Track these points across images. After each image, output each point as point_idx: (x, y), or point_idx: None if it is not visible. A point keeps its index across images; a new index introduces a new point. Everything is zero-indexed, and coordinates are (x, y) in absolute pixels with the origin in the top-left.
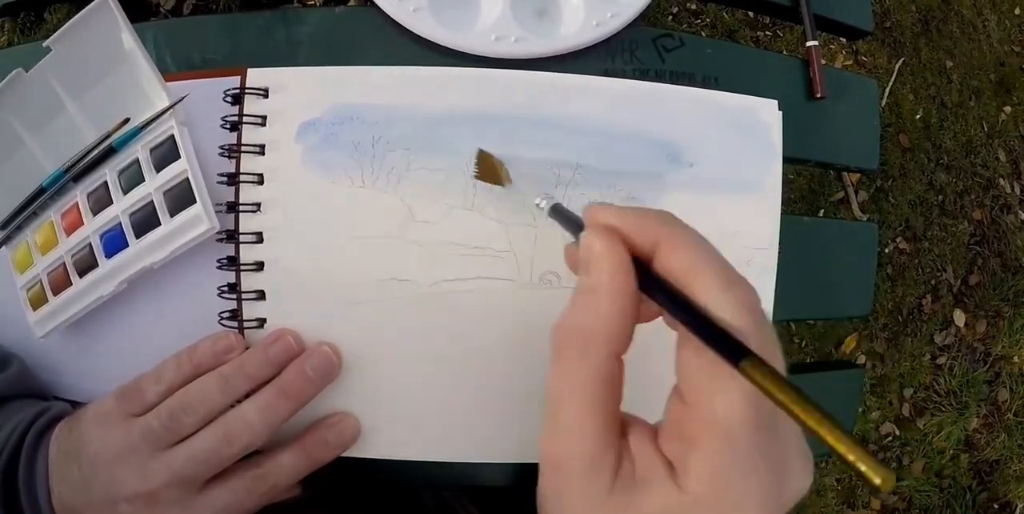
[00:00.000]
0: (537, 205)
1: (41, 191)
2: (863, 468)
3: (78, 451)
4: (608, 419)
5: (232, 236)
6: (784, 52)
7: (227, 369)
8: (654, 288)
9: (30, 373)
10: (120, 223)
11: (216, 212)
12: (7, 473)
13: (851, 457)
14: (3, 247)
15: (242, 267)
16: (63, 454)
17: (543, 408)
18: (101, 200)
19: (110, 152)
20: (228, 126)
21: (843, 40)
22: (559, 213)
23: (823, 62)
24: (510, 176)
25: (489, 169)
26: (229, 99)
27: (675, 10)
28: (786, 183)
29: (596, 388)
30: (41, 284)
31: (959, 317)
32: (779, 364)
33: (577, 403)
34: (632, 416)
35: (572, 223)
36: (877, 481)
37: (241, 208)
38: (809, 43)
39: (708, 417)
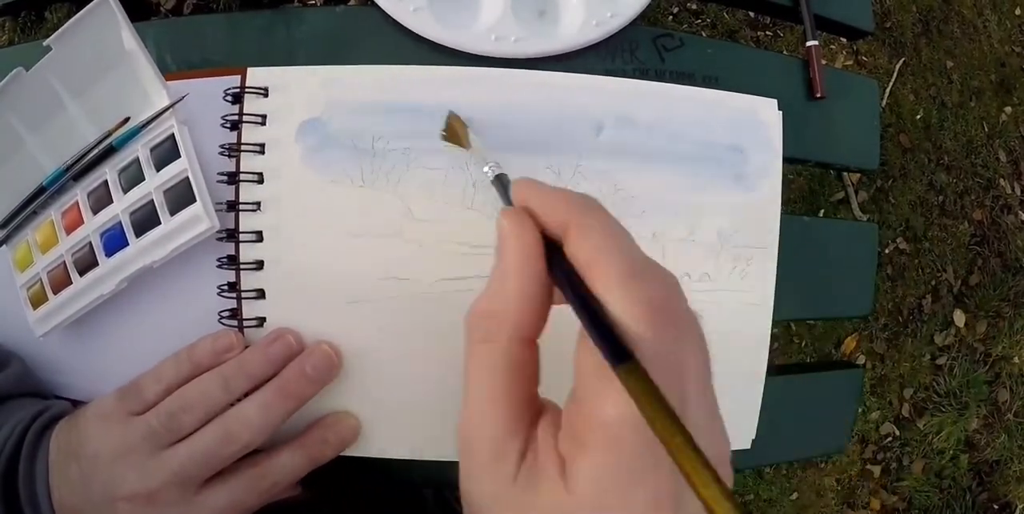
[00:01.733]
0: (485, 172)
1: (41, 190)
2: (712, 505)
3: (78, 450)
4: (514, 406)
5: (232, 235)
6: (784, 52)
7: (227, 368)
8: (559, 275)
9: (30, 372)
10: (120, 222)
11: (216, 211)
12: (7, 472)
13: (704, 492)
14: (3, 246)
15: (242, 266)
16: (63, 453)
17: None
18: (101, 199)
19: (110, 151)
20: (228, 125)
21: (843, 40)
22: (501, 185)
23: (823, 62)
24: (472, 141)
25: (454, 131)
26: (229, 98)
27: (675, 10)
28: (786, 183)
29: (501, 374)
30: (41, 283)
31: (959, 317)
32: (693, 368)
33: (484, 388)
34: (551, 404)
35: (507, 197)
36: None
37: (241, 207)
38: (809, 43)
39: (596, 418)
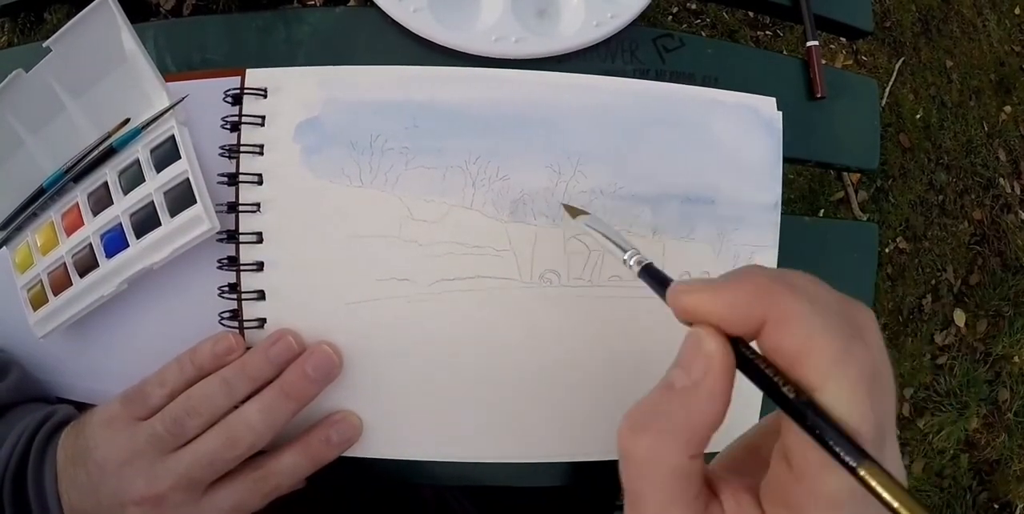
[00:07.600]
0: (625, 261)
1: (41, 191)
2: None
3: (85, 456)
4: (691, 504)
5: (232, 236)
6: (784, 52)
7: (229, 371)
8: (754, 375)
9: (30, 377)
10: (120, 223)
11: (216, 212)
12: (16, 479)
13: None
14: (4, 247)
15: (242, 267)
16: (70, 459)
17: (542, 407)
18: (101, 200)
19: (110, 152)
20: (228, 126)
21: (843, 40)
22: (650, 277)
23: (823, 62)
24: (594, 224)
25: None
26: (229, 99)
27: (675, 10)
28: (786, 183)
29: (677, 486)
30: (42, 284)
31: (959, 317)
32: (894, 414)
33: (658, 502)
34: (720, 474)
35: (660, 289)
36: None
37: (241, 208)
38: (809, 43)
39: (817, 491)
